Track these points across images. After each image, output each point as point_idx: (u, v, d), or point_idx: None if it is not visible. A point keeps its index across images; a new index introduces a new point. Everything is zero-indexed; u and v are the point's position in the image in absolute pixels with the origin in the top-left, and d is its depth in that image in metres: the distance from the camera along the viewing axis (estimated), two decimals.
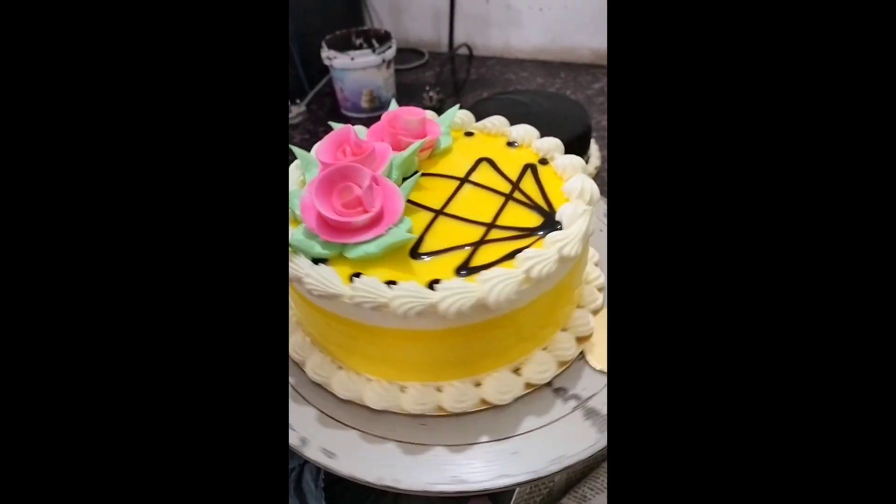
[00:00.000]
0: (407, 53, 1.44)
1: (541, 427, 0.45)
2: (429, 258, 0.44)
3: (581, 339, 0.50)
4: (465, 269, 0.43)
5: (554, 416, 0.46)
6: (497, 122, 0.60)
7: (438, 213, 0.47)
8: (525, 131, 0.59)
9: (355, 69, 1.09)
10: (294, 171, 0.52)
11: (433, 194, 0.50)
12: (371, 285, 0.40)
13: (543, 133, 0.84)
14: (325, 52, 1.10)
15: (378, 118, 0.55)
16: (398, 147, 0.52)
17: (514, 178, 0.51)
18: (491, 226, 0.46)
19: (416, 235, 0.44)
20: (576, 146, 0.87)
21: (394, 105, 0.58)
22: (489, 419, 0.46)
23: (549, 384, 0.48)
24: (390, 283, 0.41)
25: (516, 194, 0.49)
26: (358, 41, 1.17)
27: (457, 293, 0.39)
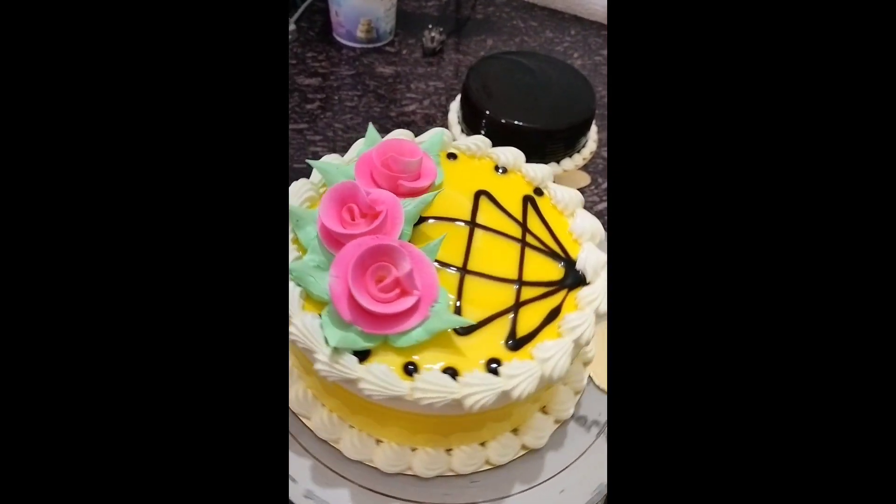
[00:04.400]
0: None
1: (572, 463, 0.49)
2: (475, 332, 0.42)
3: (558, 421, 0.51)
4: (514, 341, 0.42)
5: (581, 449, 0.50)
6: (480, 143, 0.56)
7: (463, 271, 0.45)
8: (512, 156, 0.55)
9: None
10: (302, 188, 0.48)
11: (446, 244, 0.46)
12: (438, 380, 0.39)
13: (547, 115, 0.81)
14: None
15: (375, 50, 0.50)
16: (396, 193, 0.47)
17: (515, 213, 0.50)
18: (520, 283, 0.45)
19: (460, 318, 0.42)
20: (577, 130, 0.84)
21: (373, 134, 0.53)
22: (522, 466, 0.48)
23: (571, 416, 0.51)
24: (450, 371, 0.40)
25: (529, 238, 0.49)
26: None
27: (524, 376, 0.39)
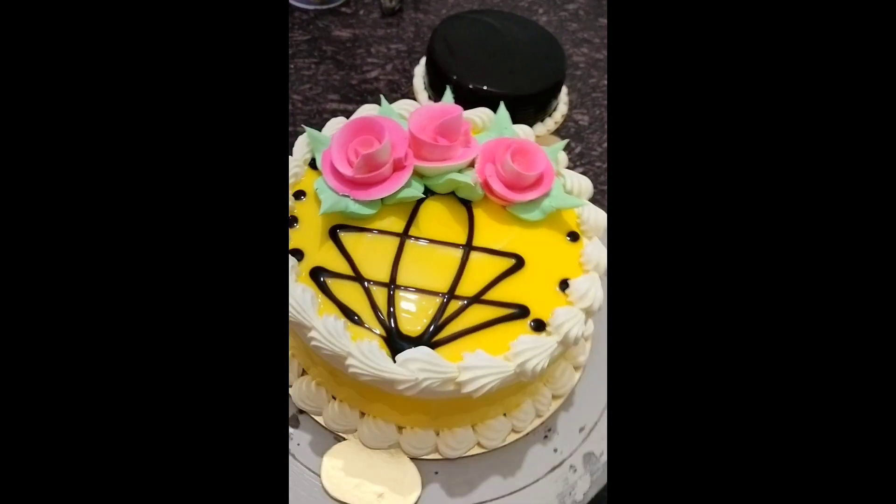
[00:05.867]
0: None
1: None
2: (330, 245, 0.42)
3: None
4: (318, 277, 0.41)
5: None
6: (594, 257, 0.47)
7: (402, 235, 0.43)
8: (598, 256, 0.46)
9: None
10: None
11: (436, 225, 0.44)
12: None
13: (516, 78, 0.78)
14: None
15: (330, 12, 0.49)
16: (482, 173, 0.45)
17: (511, 297, 0.42)
18: (391, 285, 0.42)
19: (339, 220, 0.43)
20: (548, 93, 0.81)
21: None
22: None
23: None
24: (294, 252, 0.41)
25: (476, 305, 0.42)
26: None
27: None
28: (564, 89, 0.90)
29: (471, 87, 0.76)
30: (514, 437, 0.47)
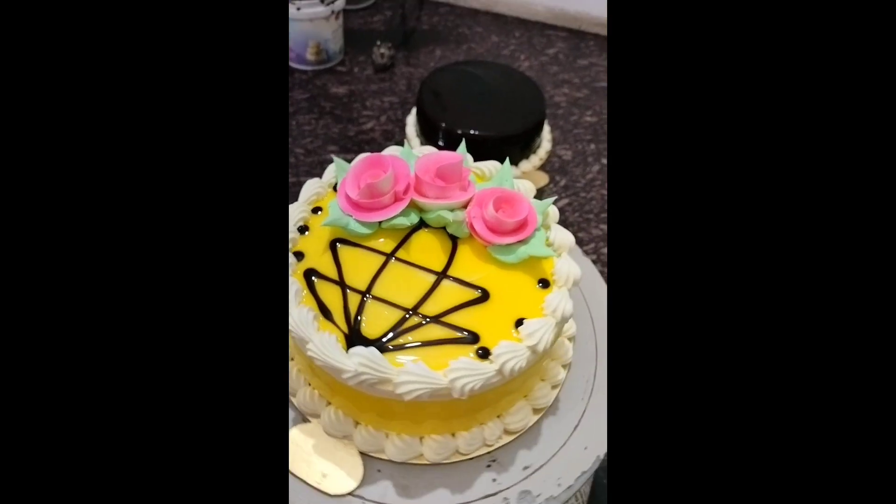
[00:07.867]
0: None
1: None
2: (328, 254, 0.49)
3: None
4: (309, 277, 0.48)
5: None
6: (559, 307, 0.47)
7: (388, 255, 0.49)
8: (561, 304, 0.47)
9: (301, 20, 1.00)
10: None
11: (421, 252, 0.49)
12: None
13: (500, 121, 0.84)
14: None
15: (327, 71, 0.53)
16: (469, 215, 0.49)
17: (462, 325, 0.45)
18: (366, 294, 0.47)
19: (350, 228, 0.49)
20: (531, 132, 0.87)
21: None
22: None
23: None
24: (297, 254, 0.49)
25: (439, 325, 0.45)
26: None
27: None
28: (547, 127, 0.96)
29: (459, 132, 0.82)
30: (459, 458, 0.50)
